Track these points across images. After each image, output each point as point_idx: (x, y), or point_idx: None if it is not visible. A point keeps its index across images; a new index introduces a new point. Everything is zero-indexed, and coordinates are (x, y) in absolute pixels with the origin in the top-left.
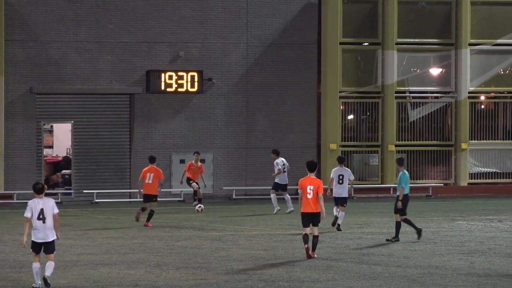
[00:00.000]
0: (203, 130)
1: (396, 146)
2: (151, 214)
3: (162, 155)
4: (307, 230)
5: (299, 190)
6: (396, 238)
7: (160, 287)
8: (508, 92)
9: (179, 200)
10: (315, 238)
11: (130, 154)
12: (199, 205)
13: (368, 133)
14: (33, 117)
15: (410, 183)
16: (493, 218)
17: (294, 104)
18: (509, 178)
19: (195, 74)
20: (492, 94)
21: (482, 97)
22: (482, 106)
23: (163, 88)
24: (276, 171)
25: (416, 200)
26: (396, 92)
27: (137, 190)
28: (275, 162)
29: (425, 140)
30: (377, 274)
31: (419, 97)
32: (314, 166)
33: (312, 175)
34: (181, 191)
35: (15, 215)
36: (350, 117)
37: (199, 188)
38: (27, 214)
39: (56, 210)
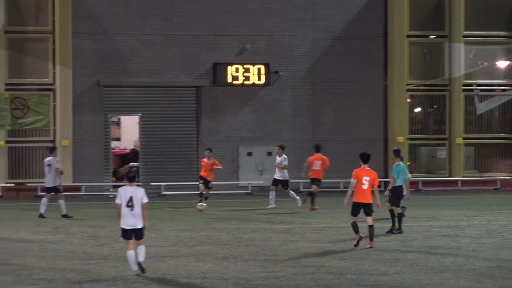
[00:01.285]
0: (270, 123)
1: (463, 139)
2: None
3: (229, 148)
4: (356, 219)
5: (352, 179)
6: (398, 230)
7: (228, 279)
8: None
9: (246, 193)
10: (371, 228)
11: (197, 147)
12: (201, 204)
13: (435, 126)
14: (100, 109)
15: (478, 177)
16: None
17: (360, 97)
18: None
19: (261, 67)
20: None
21: None
22: None
23: (229, 80)
24: (283, 165)
25: (484, 194)
26: (463, 85)
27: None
28: (283, 157)
29: (493, 133)
30: (445, 267)
31: (487, 90)
32: (367, 158)
33: (367, 167)
34: (248, 183)
35: (83, 207)
36: (417, 109)
37: (207, 188)
38: (118, 200)
39: (146, 200)
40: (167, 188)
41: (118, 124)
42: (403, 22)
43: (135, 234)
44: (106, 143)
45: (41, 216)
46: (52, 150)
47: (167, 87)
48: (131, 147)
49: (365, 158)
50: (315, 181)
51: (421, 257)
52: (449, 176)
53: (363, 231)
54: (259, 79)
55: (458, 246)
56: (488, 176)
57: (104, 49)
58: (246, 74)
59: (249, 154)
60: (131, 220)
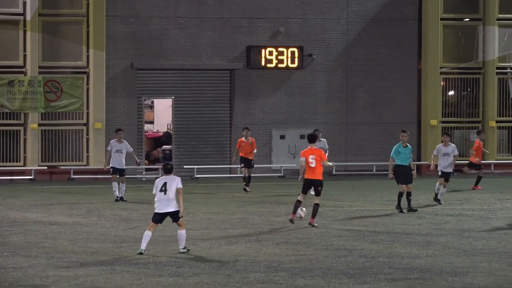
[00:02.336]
0: (303, 106)
1: (497, 122)
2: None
3: (262, 131)
4: (302, 197)
5: (301, 158)
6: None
7: (260, 262)
8: None
9: (279, 176)
10: (316, 206)
11: (231, 130)
12: (245, 187)
13: (468, 109)
14: (134, 92)
15: (511, 160)
16: None
17: (394, 80)
18: None
19: (295, 50)
20: None
21: None
22: None
23: (263, 64)
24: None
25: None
26: (497, 68)
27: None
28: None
29: None
30: (478, 250)
31: None
32: (313, 138)
33: (313, 146)
34: (281, 166)
35: None
36: (451, 93)
37: (250, 167)
38: (154, 191)
39: (180, 185)
40: (200, 171)
41: (151, 107)
42: (437, 5)
43: (172, 218)
44: (139, 126)
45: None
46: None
47: (201, 70)
48: (164, 130)
49: (310, 138)
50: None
51: (453, 240)
52: (482, 159)
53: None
54: (292, 62)
55: (491, 229)
56: None
57: (138, 32)
58: (279, 57)
59: (282, 137)
60: (163, 204)
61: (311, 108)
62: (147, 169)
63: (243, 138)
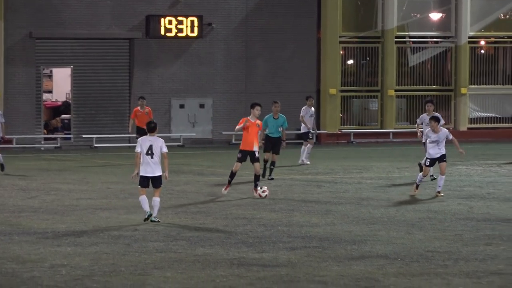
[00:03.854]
0: (202, 75)
1: (395, 91)
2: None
3: (161, 100)
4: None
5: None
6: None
7: (159, 231)
8: (508, 37)
9: (178, 145)
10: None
11: (130, 99)
12: None
13: (367, 78)
14: (32, 61)
15: (410, 128)
16: (492, 163)
17: (294, 49)
18: (508, 123)
19: (194, 19)
20: (492, 39)
21: (482, 42)
22: (482, 51)
23: (162, 33)
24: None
25: (416, 145)
26: (396, 37)
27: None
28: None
29: (425, 85)
30: (376, 219)
31: (419, 42)
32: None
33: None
34: (180, 136)
35: (15, 160)
36: (350, 62)
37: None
38: (137, 149)
39: (165, 149)
40: (99, 140)
41: (50, 76)
42: None
43: (152, 182)
44: (38, 95)
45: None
46: None
47: (100, 39)
48: (63, 99)
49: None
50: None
51: (352, 208)
52: (381, 128)
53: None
54: (192, 31)
55: (389, 198)
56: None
57: (37, 0)
58: (179, 26)
59: (181, 106)
60: (150, 168)
61: (210, 78)
62: (46, 139)
63: (138, 108)
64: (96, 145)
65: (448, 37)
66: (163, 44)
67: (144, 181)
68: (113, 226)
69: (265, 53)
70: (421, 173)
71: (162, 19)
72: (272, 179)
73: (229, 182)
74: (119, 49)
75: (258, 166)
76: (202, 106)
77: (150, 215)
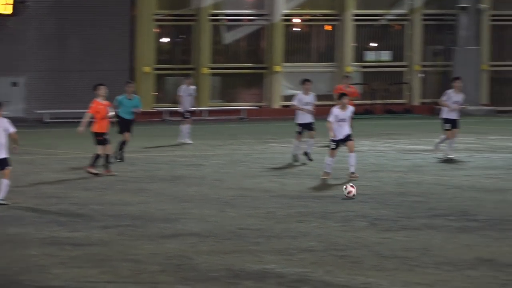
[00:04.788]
0: (15, 53)
1: (210, 69)
2: None
3: None
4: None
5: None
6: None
7: None
8: (322, 15)
9: None
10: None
11: None
12: None
13: (182, 56)
14: None
15: (224, 106)
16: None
17: (107, 26)
18: (321, 100)
19: None
20: (307, 17)
21: (297, 20)
22: (296, 29)
23: None
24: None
25: (230, 123)
26: (211, 15)
27: None
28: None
29: (240, 63)
30: (190, 197)
31: (234, 20)
32: None
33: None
34: None
35: None
36: (165, 40)
37: None
38: None
39: (12, 129)
40: None
41: None
42: None
43: None
44: None
45: None
46: None
47: None
48: None
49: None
50: None
51: (166, 186)
52: (195, 106)
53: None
54: (5, 9)
55: (203, 176)
56: (234, 106)
57: None
58: None
59: None
60: None
61: (23, 56)
62: None
63: None
64: None
65: (263, 15)
66: None
67: None
68: None
69: (79, 31)
70: (330, 158)
71: None
72: (121, 160)
73: (92, 165)
74: None
75: (109, 148)
76: (14, 84)
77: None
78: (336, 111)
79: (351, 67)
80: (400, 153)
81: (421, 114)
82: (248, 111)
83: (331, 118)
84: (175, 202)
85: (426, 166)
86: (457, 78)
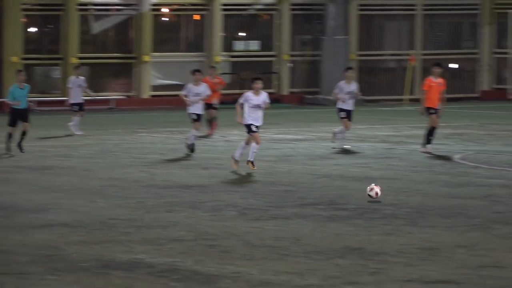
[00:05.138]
0: None
1: (79, 58)
2: None
3: None
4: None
5: None
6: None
7: None
8: (191, 5)
9: None
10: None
11: None
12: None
13: (50, 46)
14: None
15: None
16: (174, 130)
17: None
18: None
19: None
20: (175, 7)
21: (165, 10)
22: (165, 19)
23: None
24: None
25: (99, 113)
26: (79, 5)
27: None
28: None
29: (108, 53)
30: (58, 187)
31: (102, 10)
32: None
33: None
34: None
35: None
36: (33, 29)
37: None
38: None
39: None
40: None
41: None
42: None
43: None
44: None
45: None
46: None
47: None
48: None
49: None
50: None
51: (34, 177)
52: (63, 96)
53: None
54: None
55: (72, 166)
56: (103, 96)
57: None
58: None
59: None
60: None
61: None
62: None
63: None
64: None
65: (131, 5)
66: None
67: None
68: None
69: None
70: (256, 145)
71: None
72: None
73: None
74: None
75: None
76: None
77: None
78: (249, 95)
79: (220, 57)
80: (269, 143)
81: (290, 104)
82: (117, 101)
83: (242, 100)
84: (44, 192)
85: (295, 156)
86: (349, 68)
